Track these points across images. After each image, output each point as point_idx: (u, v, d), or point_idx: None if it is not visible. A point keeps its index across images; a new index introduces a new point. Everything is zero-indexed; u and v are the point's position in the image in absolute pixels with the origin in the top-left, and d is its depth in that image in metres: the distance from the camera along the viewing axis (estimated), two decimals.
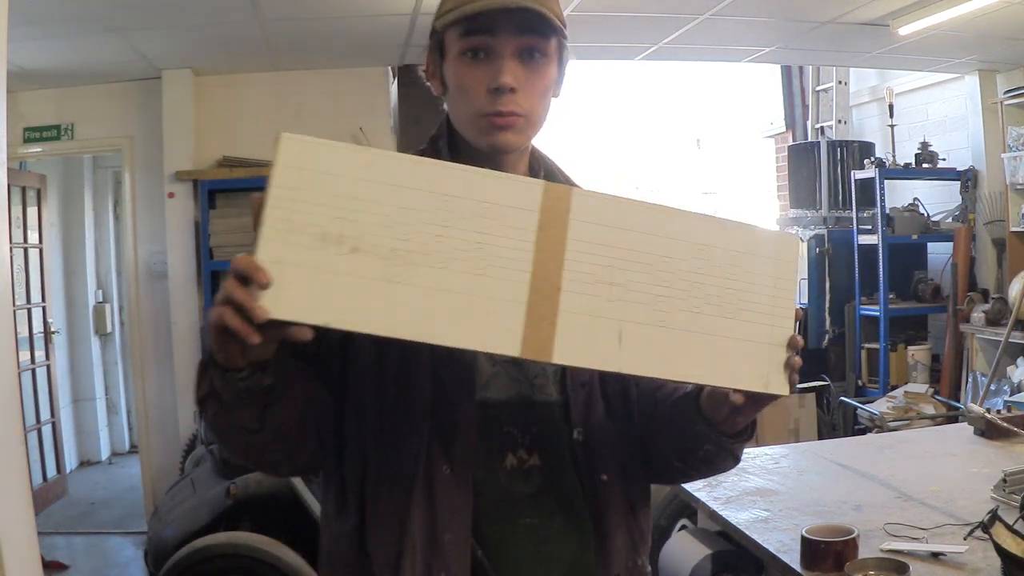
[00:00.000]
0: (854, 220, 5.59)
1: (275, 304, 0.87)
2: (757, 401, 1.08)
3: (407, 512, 1.09)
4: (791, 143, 6.80)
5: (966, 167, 5.44)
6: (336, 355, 1.13)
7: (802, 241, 5.83)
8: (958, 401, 4.99)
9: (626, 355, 0.99)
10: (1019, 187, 5.07)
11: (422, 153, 1.18)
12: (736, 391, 1.05)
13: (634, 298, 0.99)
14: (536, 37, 1.12)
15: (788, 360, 1.06)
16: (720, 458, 1.18)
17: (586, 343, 0.97)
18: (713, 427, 1.13)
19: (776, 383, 1.05)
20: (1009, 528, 1.72)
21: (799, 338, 1.08)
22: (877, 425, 4.55)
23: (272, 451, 1.09)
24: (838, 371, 5.68)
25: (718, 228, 1.05)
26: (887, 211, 5.35)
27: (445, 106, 1.19)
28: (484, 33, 1.10)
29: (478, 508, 1.11)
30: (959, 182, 5.45)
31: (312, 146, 0.91)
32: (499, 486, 1.13)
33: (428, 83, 1.20)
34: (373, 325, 0.91)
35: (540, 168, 1.25)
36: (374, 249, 0.91)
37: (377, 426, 1.12)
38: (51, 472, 5.60)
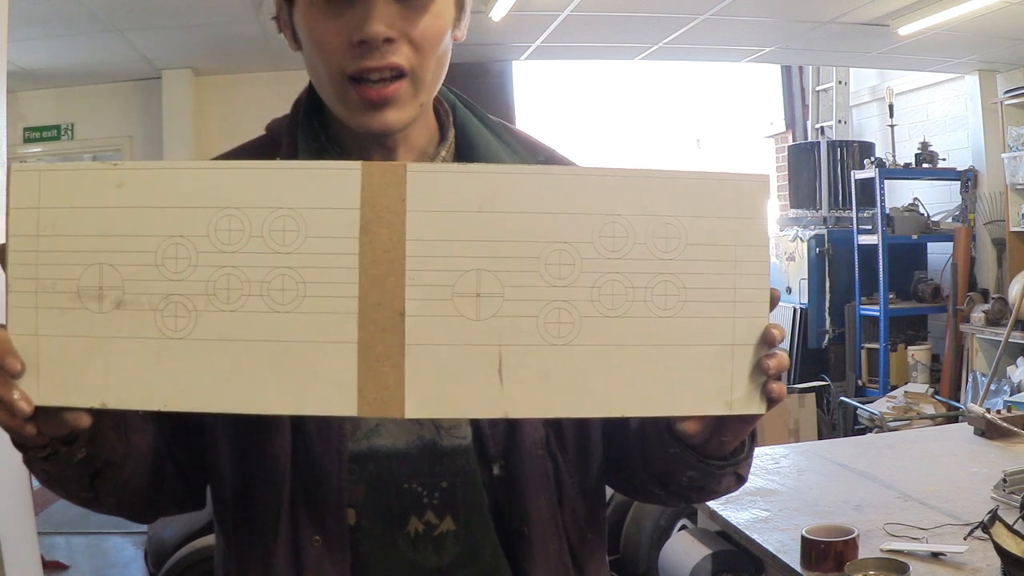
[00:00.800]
0: (854, 220, 5.59)
1: (37, 390, 0.70)
2: (735, 420, 0.77)
3: None
4: (791, 143, 6.81)
5: (966, 167, 5.45)
6: None
7: (802, 241, 5.83)
8: (958, 401, 4.99)
9: (512, 393, 0.71)
10: (1019, 187, 5.07)
11: (274, 135, 0.93)
12: (687, 419, 0.76)
13: (516, 311, 0.72)
14: None
15: (759, 363, 0.73)
16: (713, 482, 0.87)
17: (450, 385, 0.71)
18: (692, 450, 0.82)
19: (743, 399, 0.74)
20: (1009, 528, 1.72)
21: (776, 330, 0.74)
22: (877, 425, 4.55)
23: (120, 511, 0.91)
24: (838, 371, 5.68)
25: (633, 187, 0.73)
26: (887, 211, 5.35)
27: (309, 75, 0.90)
28: None
29: None
30: (959, 182, 5.46)
31: (48, 177, 0.72)
32: (399, 558, 0.87)
33: (281, 33, 0.90)
34: (156, 399, 0.71)
35: (450, 126, 0.93)
36: (143, 299, 0.71)
37: (234, 488, 0.89)
38: None
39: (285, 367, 0.71)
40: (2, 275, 0.71)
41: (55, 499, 5.47)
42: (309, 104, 0.92)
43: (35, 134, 4.99)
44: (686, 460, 0.83)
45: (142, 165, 0.73)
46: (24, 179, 0.72)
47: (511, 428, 0.89)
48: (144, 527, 4.45)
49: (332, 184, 0.71)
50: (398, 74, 0.81)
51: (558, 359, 0.72)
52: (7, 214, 0.72)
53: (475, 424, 0.89)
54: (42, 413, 0.71)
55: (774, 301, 0.75)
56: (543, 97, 7.17)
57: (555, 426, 0.91)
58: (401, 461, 0.87)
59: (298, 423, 0.86)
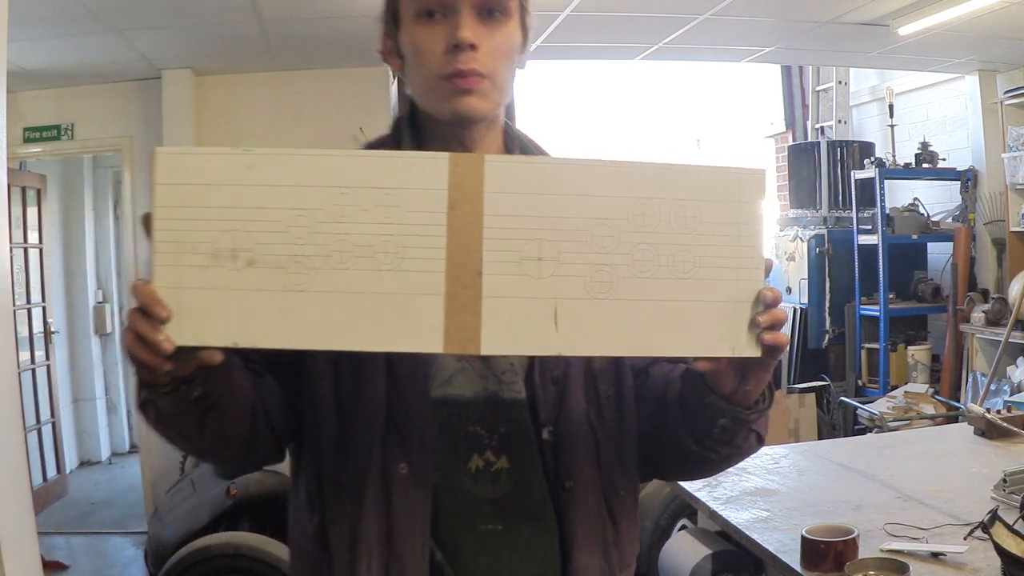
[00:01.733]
0: (854, 220, 5.60)
1: (179, 332, 0.86)
2: (754, 369, 0.99)
3: (360, 514, 1.05)
4: (791, 143, 6.81)
5: (966, 167, 5.44)
6: (290, 351, 1.04)
7: (802, 241, 5.83)
8: (958, 401, 4.99)
9: (564, 336, 0.91)
10: (1019, 187, 5.07)
11: (382, 142, 1.17)
12: (700, 359, 0.96)
13: (569, 271, 0.91)
14: None
15: (754, 318, 0.93)
16: (740, 436, 1.08)
17: (517, 329, 0.90)
18: (723, 399, 1.03)
19: (742, 344, 0.94)
20: (1009, 528, 1.72)
21: (770, 291, 0.94)
22: (877, 425, 4.55)
23: (218, 453, 1.10)
24: (838, 371, 5.69)
25: (660, 176, 0.93)
26: (887, 211, 5.35)
27: (408, 89, 1.14)
28: None
29: (437, 511, 1.06)
30: (959, 182, 5.46)
31: (189, 158, 0.89)
32: (461, 489, 1.07)
33: (386, 63, 1.15)
34: (281, 339, 0.89)
35: (516, 146, 1.18)
36: (271, 259, 0.88)
37: (332, 424, 1.08)
38: (51, 472, 5.60)
39: (386, 314, 0.89)
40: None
41: (55, 499, 5.49)
42: (408, 121, 1.16)
43: (35, 134, 4.98)
44: (719, 407, 1.03)
45: (270, 151, 0.89)
46: (170, 159, 0.88)
47: (560, 398, 1.10)
48: (144, 527, 4.46)
49: (426, 170, 0.90)
50: (480, 76, 1.05)
51: (601, 310, 0.91)
52: (152, 188, 0.88)
53: (529, 386, 1.10)
54: (178, 353, 0.87)
55: (768, 269, 0.95)
56: (543, 97, 7.17)
57: (594, 401, 1.12)
58: (468, 407, 1.08)
59: (391, 369, 1.06)
